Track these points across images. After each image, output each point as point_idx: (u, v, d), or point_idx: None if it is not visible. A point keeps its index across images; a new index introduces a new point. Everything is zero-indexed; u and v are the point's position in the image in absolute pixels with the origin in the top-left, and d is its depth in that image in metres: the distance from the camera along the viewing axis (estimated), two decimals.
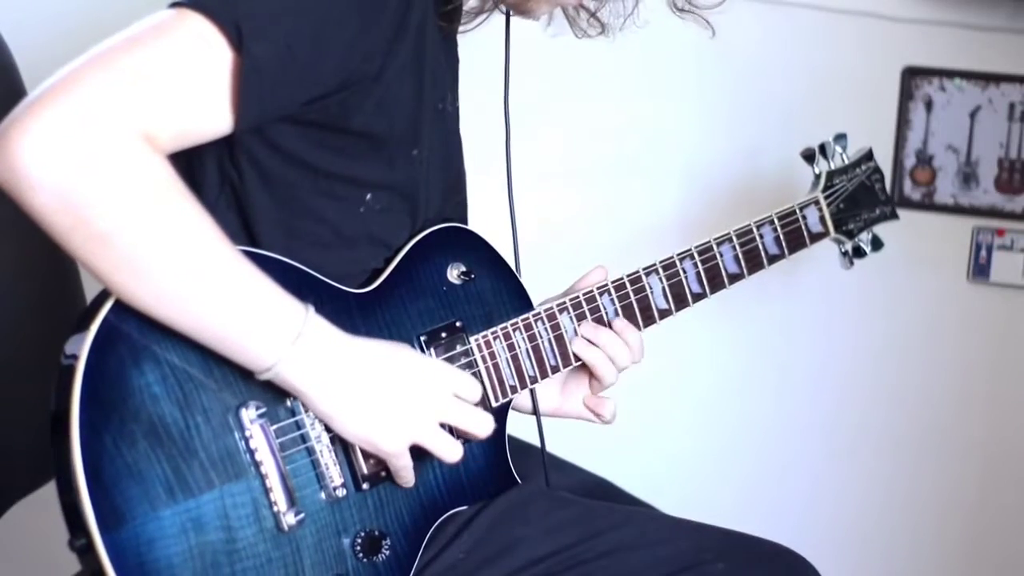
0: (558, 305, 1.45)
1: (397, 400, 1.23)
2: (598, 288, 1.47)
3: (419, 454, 1.27)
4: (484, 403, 1.36)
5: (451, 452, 1.27)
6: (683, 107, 2.27)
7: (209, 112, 1.14)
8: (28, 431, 1.32)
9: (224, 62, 1.13)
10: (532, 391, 1.47)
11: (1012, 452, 2.25)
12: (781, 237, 1.59)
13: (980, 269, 2.19)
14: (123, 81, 1.08)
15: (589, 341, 1.45)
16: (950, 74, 2.15)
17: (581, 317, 1.46)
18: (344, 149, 1.26)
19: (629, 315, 1.48)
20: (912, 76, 2.17)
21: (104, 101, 1.07)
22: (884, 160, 1.94)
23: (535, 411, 1.51)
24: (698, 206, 2.27)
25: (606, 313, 1.47)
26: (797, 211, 1.61)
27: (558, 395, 1.54)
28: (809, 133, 1.71)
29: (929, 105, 2.16)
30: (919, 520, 2.30)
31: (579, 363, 1.47)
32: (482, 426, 1.30)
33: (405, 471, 1.27)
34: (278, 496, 1.20)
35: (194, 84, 1.13)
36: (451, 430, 1.29)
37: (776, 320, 2.31)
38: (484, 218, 1.49)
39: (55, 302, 1.55)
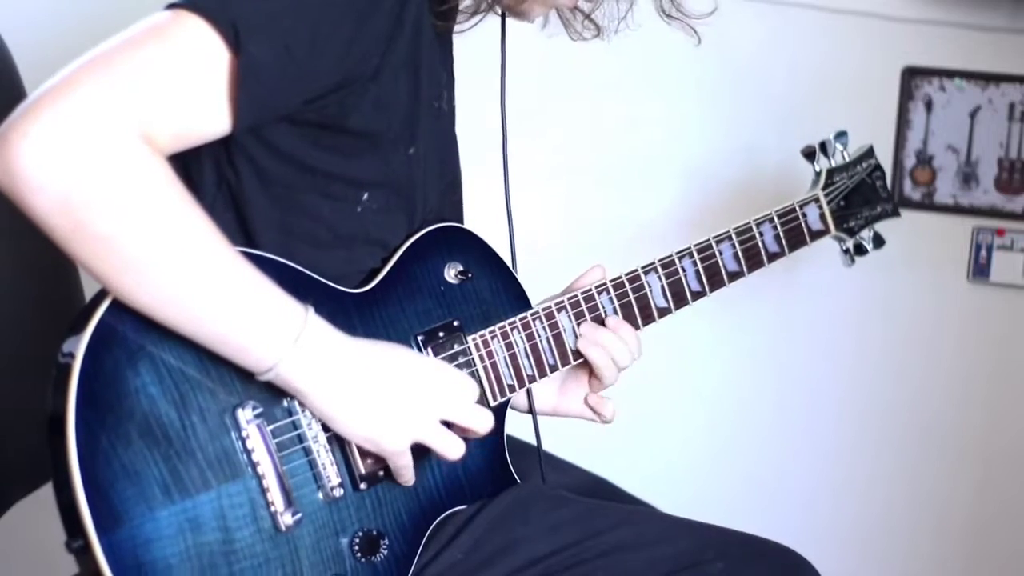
0: (556, 304, 1.44)
1: (398, 398, 1.23)
2: (597, 287, 1.47)
3: (418, 453, 1.26)
4: (482, 402, 1.36)
5: (453, 449, 1.27)
6: (683, 107, 2.27)
7: (207, 113, 1.14)
8: (28, 431, 1.32)
9: (222, 63, 1.12)
10: (528, 390, 1.47)
11: (1012, 452, 2.25)
12: (781, 235, 1.58)
13: (980, 269, 2.19)
14: (121, 83, 1.09)
15: (593, 341, 1.45)
16: (950, 74, 2.15)
17: (579, 316, 1.45)
18: (341, 148, 1.26)
19: (628, 314, 1.48)
20: (912, 76, 2.16)
21: (102, 103, 1.07)
22: (884, 160, 1.93)
23: (531, 409, 1.51)
24: (698, 205, 2.27)
25: (604, 312, 1.47)
26: (797, 209, 1.61)
27: (556, 394, 1.54)
28: (809, 133, 1.71)
29: (929, 105, 2.16)
30: (919, 520, 2.30)
31: (577, 362, 1.46)
32: (482, 422, 1.30)
33: (406, 470, 1.26)
34: (275, 496, 1.20)
35: (192, 85, 1.13)
36: (451, 428, 1.28)
37: (776, 320, 2.31)
38: (482, 217, 1.49)
39: (55, 300, 1.55)
